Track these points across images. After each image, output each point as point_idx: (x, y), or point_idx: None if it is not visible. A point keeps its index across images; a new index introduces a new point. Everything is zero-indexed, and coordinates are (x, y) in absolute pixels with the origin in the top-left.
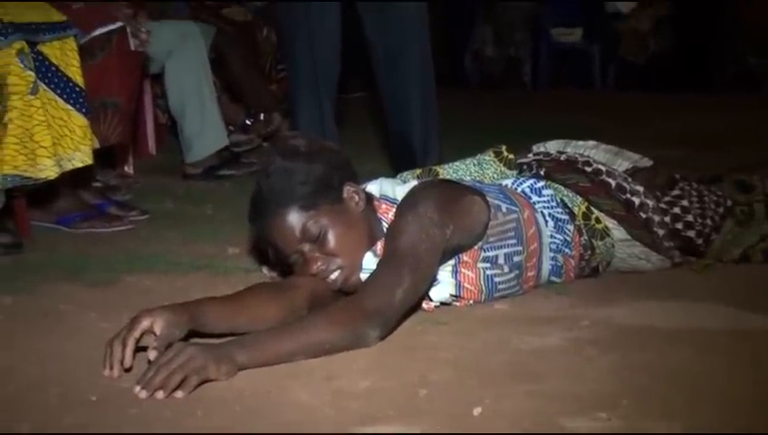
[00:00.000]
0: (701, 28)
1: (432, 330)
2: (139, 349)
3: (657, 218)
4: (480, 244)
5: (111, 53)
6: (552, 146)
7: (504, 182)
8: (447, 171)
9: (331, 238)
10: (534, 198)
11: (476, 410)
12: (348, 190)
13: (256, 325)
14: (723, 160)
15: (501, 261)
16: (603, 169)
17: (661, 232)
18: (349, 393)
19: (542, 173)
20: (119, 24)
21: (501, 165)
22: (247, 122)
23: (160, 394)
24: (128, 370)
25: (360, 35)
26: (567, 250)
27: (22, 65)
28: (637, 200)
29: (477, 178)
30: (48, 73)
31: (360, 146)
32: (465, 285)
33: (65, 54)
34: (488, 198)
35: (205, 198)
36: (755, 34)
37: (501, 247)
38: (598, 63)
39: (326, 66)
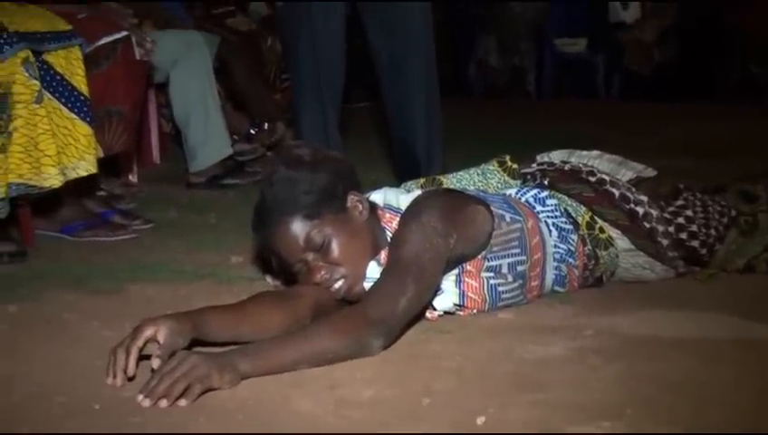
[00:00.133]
0: (705, 39)
1: (436, 339)
2: (143, 357)
3: (661, 228)
4: (484, 253)
5: (116, 62)
6: (556, 156)
7: (508, 192)
8: (451, 181)
9: (335, 247)
10: (538, 208)
11: (480, 420)
12: (352, 199)
13: (260, 334)
14: (727, 170)
15: (504, 270)
16: (607, 178)
17: (665, 242)
18: (352, 402)
19: (545, 183)
20: (124, 33)
21: (505, 175)
22: (251, 132)
23: (163, 403)
24: (131, 378)
25: (365, 44)
26: (571, 260)
27: (27, 74)
28: (641, 210)
29: (481, 188)
30: (53, 82)
31: (364, 155)
32: (469, 294)
33: (70, 63)
34: (492, 208)
35: (208, 206)
36: (758, 45)
37: (505, 257)
38: (602, 73)
39: (329, 68)
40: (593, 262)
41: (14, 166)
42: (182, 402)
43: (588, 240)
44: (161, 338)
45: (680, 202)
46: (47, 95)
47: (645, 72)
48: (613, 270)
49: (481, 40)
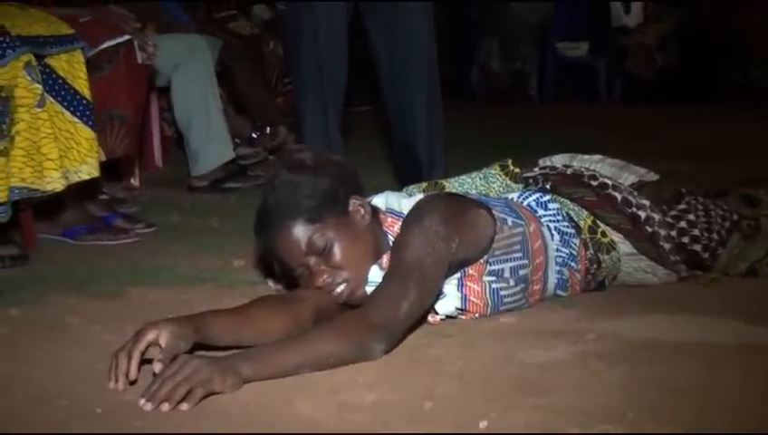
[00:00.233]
0: (706, 43)
1: (438, 343)
2: (145, 361)
3: (663, 232)
4: (486, 257)
5: (118, 65)
6: (558, 160)
7: (510, 196)
8: (453, 185)
9: (337, 251)
10: (540, 212)
11: (482, 424)
12: (354, 203)
13: (261, 338)
14: (729, 174)
15: (507, 274)
16: (609, 182)
17: (667, 246)
18: (354, 406)
19: (548, 187)
20: (126, 37)
21: (507, 179)
22: (253, 135)
23: (165, 407)
24: (133, 382)
25: (367, 45)
26: (573, 264)
27: (29, 78)
28: (643, 214)
29: (483, 192)
30: (55, 86)
31: (366, 159)
32: (471, 298)
33: (72, 67)
34: (494, 212)
35: (210, 210)
36: (760, 49)
37: (507, 261)
38: (604, 77)
39: (332, 69)
40: (595, 266)
41: (16, 170)
42: (184, 406)
43: (590, 244)
44: (163, 342)
45: (682, 206)
46: (49, 99)
47: (647, 76)
48: (615, 274)
49: (483, 44)
